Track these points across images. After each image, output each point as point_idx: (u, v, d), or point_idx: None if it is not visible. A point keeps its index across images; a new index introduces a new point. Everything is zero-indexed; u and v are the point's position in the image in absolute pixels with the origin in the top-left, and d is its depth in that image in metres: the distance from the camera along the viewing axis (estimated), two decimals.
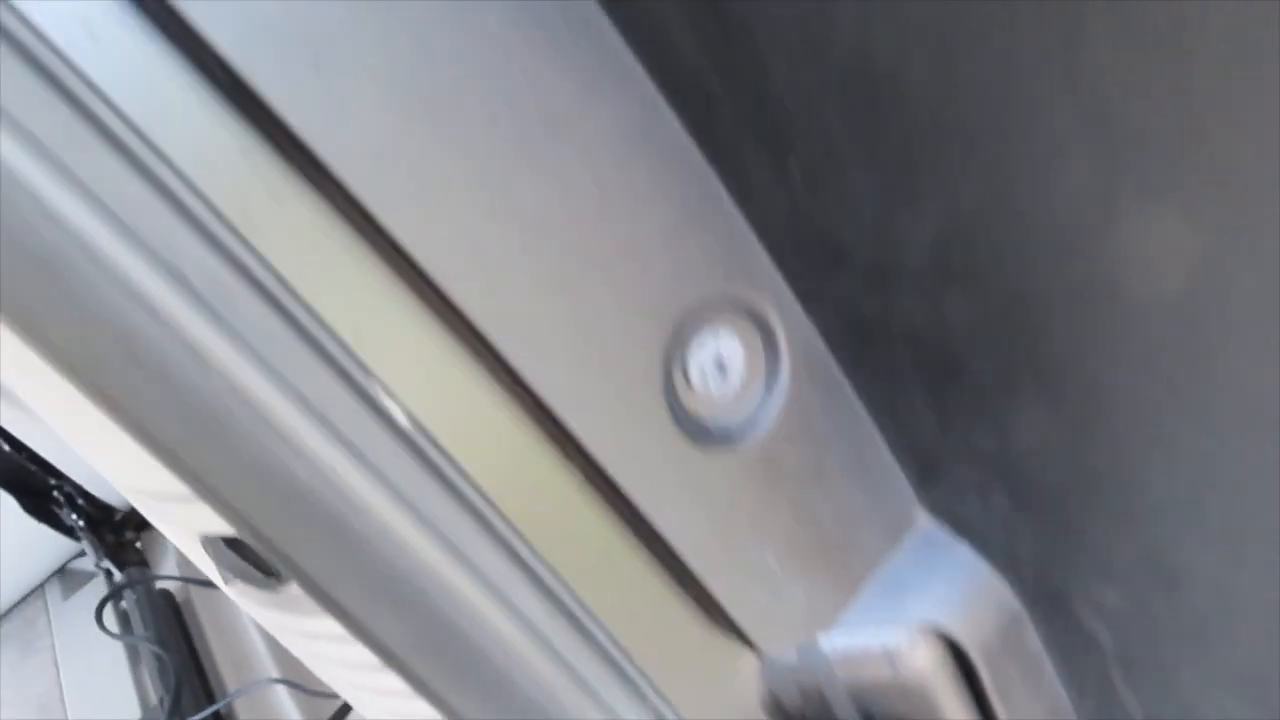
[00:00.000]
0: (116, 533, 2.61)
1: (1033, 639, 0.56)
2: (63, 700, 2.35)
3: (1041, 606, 0.54)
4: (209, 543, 0.90)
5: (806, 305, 0.47)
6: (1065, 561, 0.48)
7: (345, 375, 0.36)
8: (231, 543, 0.85)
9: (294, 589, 0.86)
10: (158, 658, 2.06)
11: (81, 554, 2.67)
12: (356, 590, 0.38)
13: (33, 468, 2.43)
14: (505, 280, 0.39)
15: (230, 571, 0.94)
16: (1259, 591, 0.42)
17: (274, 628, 1.03)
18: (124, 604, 2.30)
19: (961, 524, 0.53)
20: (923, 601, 0.53)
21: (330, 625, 0.92)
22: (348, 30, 0.34)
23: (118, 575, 2.45)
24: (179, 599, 2.39)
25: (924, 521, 0.55)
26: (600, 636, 0.46)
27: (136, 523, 2.67)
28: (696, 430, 0.46)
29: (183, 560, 2.49)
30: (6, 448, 2.38)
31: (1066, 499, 0.44)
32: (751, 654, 0.51)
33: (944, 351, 0.42)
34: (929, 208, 0.36)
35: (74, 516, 2.50)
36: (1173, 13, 0.26)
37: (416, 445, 0.39)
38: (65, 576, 2.73)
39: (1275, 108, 0.26)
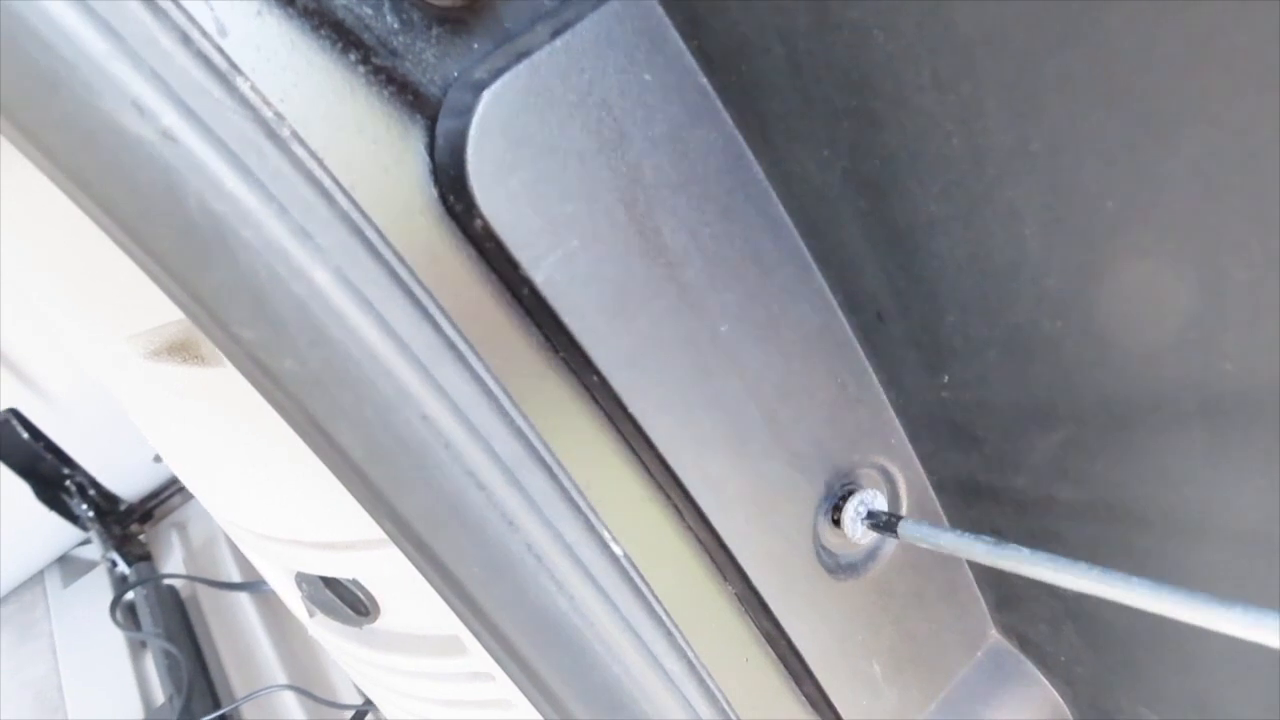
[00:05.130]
0: (122, 524, 2.66)
1: None
2: (61, 688, 2.38)
3: None
4: (305, 579, 0.98)
5: (926, 467, 0.57)
6: (1120, 688, 0.58)
7: (592, 530, 0.45)
8: (329, 582, 0.94)
9: (377, 626, 0.95)
10: (168, 655, 2.11)
11: (84, 542, 2.71)
12: (583, 692, 0.47)
13: (48, 456, 2.48)
14: (707, 452, 0.49)
15: (318, 606, 1.03)
16: None
17: (346, 658, 1.12)
18: (130, 597, 2.35)
19: (1027, 643, 0.64)
20: (990, 708, 0.63)
21: (408, 662, 1.01)
22: (640, 299, 0.44)
23: (121, 566, 2.49)
24: (183, 595, 2.43)
25: (995, 638, 0.65)
26: None
27: (141, 515, 2.72)
28: (832, 563, 0.56)
29: (190, 557, 2.54)
30: (25, 435, 2.42)
31: (1133, 643, 0.55)
32: None
33: (1046, 520, 0.52)
34: (1058, 429, 0.46)
35: (84, 506, 2.55)
36: None
37: (626, 572, 0.49)
38: (65, 564, 2.76)
39: None
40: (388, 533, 0.42)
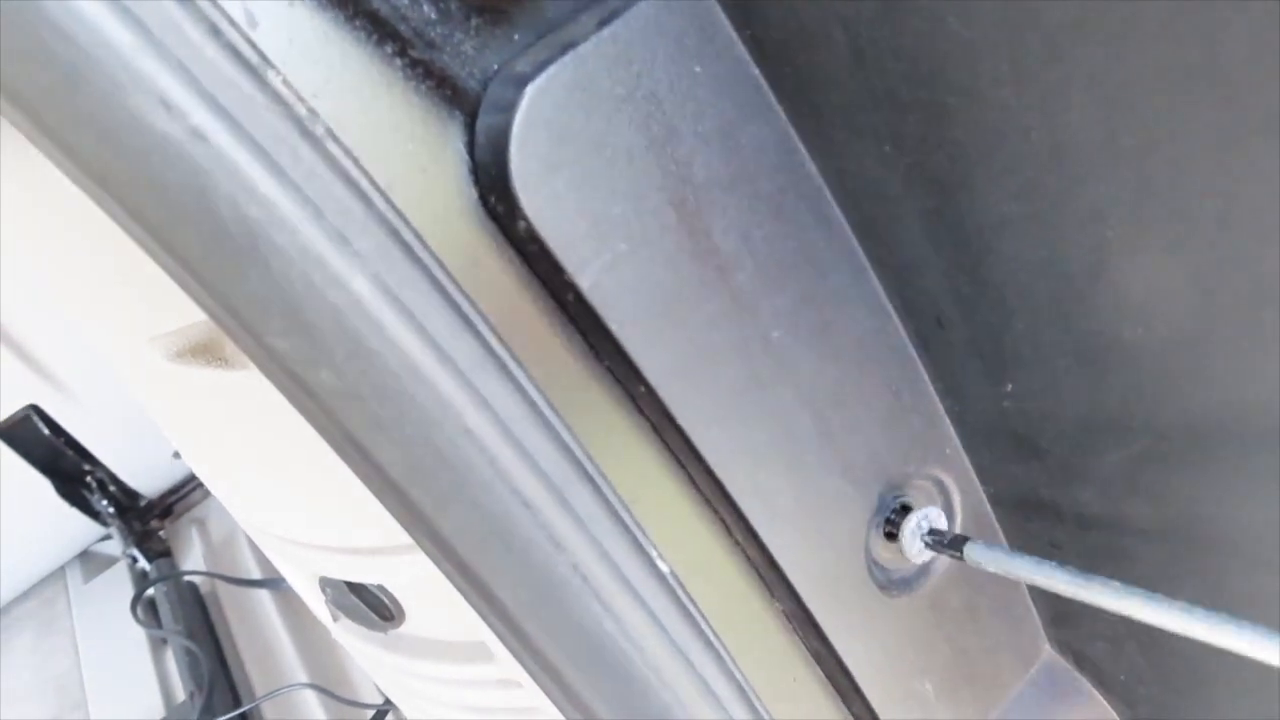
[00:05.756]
0: (142, 520, 2.66)
1: None
2: (82, 683, 2.38)
3: None
4: (329, 584, 0.97)
5: (982, 478, 0.54)
6: (1186, 711, 0.55)
7: (639, 548, 0.43)
8: (354, 587, 0.92)
9: (402, 631, 0.93)
10: (188, 652, 2.11)
11: (105, 538, 2.71)
12: (621, 705, 0.45)
13: (69, 452, 2.48)
14: (757, 464, 0.47)
15: (342, 611, 1.01)
16: None
17: (370, 662, 1.10)
18: (151, 593, 2.35)
19: (1083, 661, 0.61)
20: None
21: (433, 668, 0.99)
22: (690, 305, 0.42)
23: (142, 563, 2.49)
24: (203, 591, 2.43)
25: (1049, 654, 0.62)
26: None
27: (161, 511, 2.72)
28: (884, 578, 0.53)
29: (210, 553, 2.54)
30: (46, 431, 2.42)
31: (1202, 664, 0.52)
32: None
33: (1112, 538, 0.50)
34: (1133, 442, 0.44)
35: (104, 502, 2.55)
36: None
37: (674, 591, 0.46)
38: (86, 559, 2.77)
39: None
40: (427, 552, 0.40)
